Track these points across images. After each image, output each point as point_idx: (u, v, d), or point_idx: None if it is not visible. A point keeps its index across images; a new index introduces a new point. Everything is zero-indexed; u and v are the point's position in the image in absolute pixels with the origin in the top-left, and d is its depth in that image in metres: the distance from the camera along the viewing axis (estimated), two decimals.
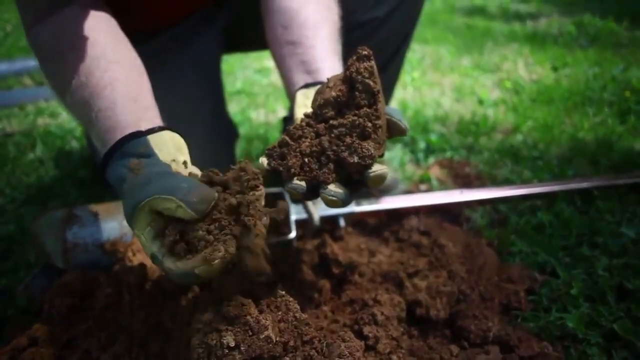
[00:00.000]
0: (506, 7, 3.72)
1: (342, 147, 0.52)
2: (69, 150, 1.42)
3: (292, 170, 0.53)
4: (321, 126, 0.55)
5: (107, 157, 0.57)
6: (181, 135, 0.61)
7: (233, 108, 1.77)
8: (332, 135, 0.54)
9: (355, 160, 0.51)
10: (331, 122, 0.55)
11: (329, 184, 0.52)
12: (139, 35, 0.93)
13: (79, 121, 0.68)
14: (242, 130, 1.52)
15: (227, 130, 1.02)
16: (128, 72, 0.65)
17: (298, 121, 0.58)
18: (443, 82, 2.07)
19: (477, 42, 2.72)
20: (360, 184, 0.53)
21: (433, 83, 2.06)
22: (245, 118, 1.70)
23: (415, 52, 2.51)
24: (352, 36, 0.74)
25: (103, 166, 0.58)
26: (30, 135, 1.52)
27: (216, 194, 0.50)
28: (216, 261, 0.47)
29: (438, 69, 2.26)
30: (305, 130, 0.56)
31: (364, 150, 0.51)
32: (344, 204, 0.52)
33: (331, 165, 0.53)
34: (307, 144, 0.54)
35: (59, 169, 1.32)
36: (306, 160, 0.53)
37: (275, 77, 2.18)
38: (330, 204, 0.52)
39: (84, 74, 0.62)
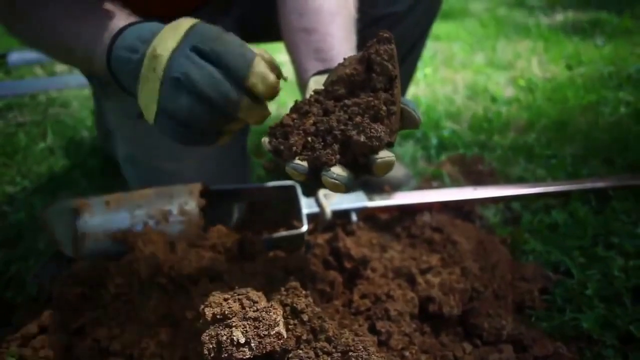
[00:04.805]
0: (520, 3, 3.67)
1: (350, 126, 0.49)
2: (80, 140, 1.42)
3: (294, 148, 0.49)
4: (330, 103, 0.52)
5: (108, 52, 0.55)
6: None
7: None
8: (342, 113, 0.51)
9: (362, 140, 0.47)
10: (345, 101, 0.51)
11: (331, 165, 0.48)
12: None
13: (60, 47, 0.65)
14: None
15: None
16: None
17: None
18: (455, 78, 2.05)
19: (490, 39, 2.69)
20: (365, 169, 0.50)
21: (445, 80, 2.04)
22: None
23: (428, 48, 2.48)
24: (370, 30, 0.73)
25: (106, 63, 0.56)
26: (41, 125, 1.52)
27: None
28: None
29: (450, 66, 2.24)
30: (313, 107, 0.53)
31: (372, 131, 0.48)
32: (347, 188, 0.48)
33: (336, 146, 0.49)
34: (311, 121, 0.51)
35: (69, 159, 1.32)
36: (309, 139, 0.50)
37: (285, 71, 2.16)
38: (332, 187, 0.48)
39: (67, 4, 0.61)
